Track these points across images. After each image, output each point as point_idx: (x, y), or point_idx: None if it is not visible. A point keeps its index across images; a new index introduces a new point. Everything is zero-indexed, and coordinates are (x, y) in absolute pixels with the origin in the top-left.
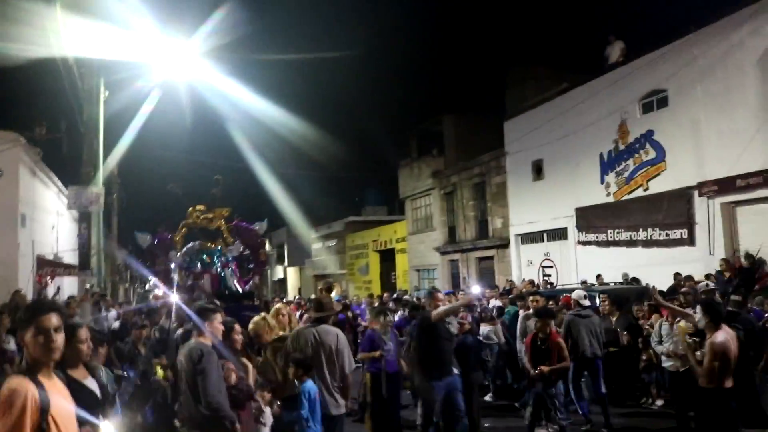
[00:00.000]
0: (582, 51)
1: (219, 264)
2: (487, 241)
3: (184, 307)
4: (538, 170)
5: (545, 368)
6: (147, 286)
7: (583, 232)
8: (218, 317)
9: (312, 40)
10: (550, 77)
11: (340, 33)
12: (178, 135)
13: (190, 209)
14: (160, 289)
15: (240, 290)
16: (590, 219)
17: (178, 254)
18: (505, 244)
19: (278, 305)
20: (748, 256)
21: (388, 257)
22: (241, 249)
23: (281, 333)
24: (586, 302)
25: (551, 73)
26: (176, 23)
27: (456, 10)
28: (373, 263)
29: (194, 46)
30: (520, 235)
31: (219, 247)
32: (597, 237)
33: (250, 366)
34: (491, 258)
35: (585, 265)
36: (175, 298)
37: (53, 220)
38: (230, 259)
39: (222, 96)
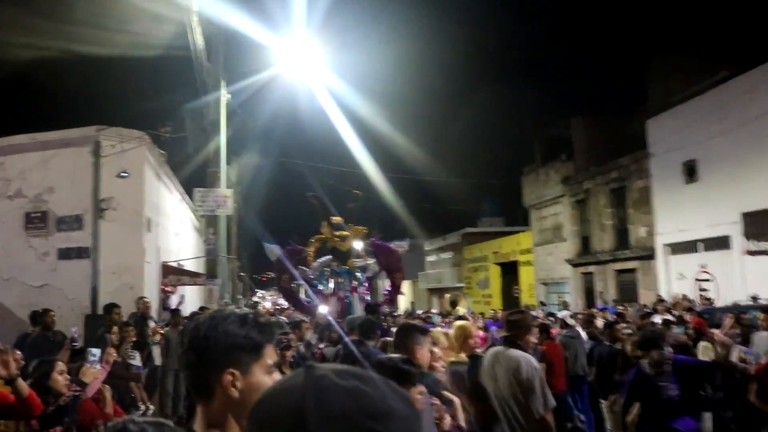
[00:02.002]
0: (740, 36)
1: (348, 288)
2: (628, 251)
3: (333, 323)
4: (690, 172)
5: None
6: (254, 298)
7: (754, 240)
8: (429, 341)
9: (426, 40)
10: (700, 68)
11: (455, 31)
12: (290, 140)
13: (325, 223)
14: (268, 302)
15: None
16: (763, 225)
17: (310, 269)
18: (650, 255)
19: (462, 323)
20: None
21: (510, 270)
22: (377, 270)
23: (459, 355)
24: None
25: (701, 63)
26: (299, 28)
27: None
28: (494, 276)
29: (312, 48)
30: (668, 244)
31: (350, 269)
32: None
33: (456, 401)
34: (633, 270)
35: (755, 279)
36: (324, 310)
37: (176, 226)
38: (361, 282)
39: (338, 100)
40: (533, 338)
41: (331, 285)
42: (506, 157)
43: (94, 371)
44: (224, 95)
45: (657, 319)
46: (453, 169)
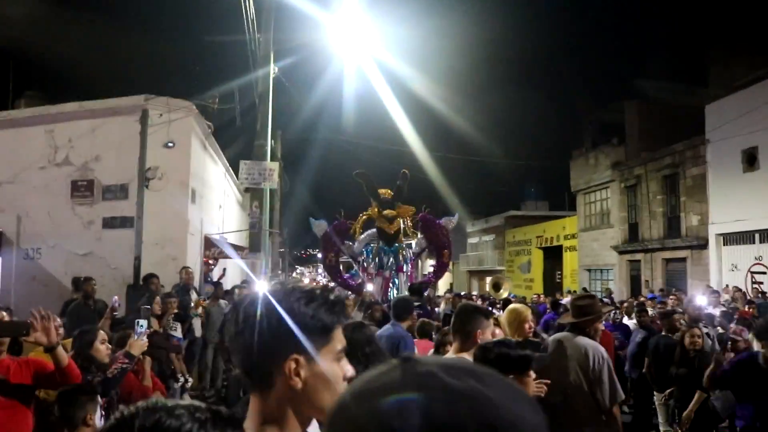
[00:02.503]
0: None
1: (395, 267)
2: (679, 240)
3: (378, 301)
4: (750, 160)
5: None
6: (294, 274)
7: None
8: (491, 325)
9: (480, 18)
10: (763, 52)
11: (510, 9)
12: (338, 116)
13: (375, 203)
14: (307, 278)
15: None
16: None
17: (356, 244)
18: (702, 245)
19: (516, 305)
20: None
21: (553, 255)
22: (424, 246)
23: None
24: None
25: (765, 47)
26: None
27: None
28: (536, 261)
29: (363, 21)
30: (722, 234)
31: (396, 248)
32: None
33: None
34: (683, 260)
35: None
36: (370, 288)
37: (220, 199)
38: (409, 259)
39: (387, 76)
40: (601, 326)
41: (377, 263)
42: (554, 140)
43: (143, 343)
44: (273, 69)
45: (715, 311)
46: (499, 151)
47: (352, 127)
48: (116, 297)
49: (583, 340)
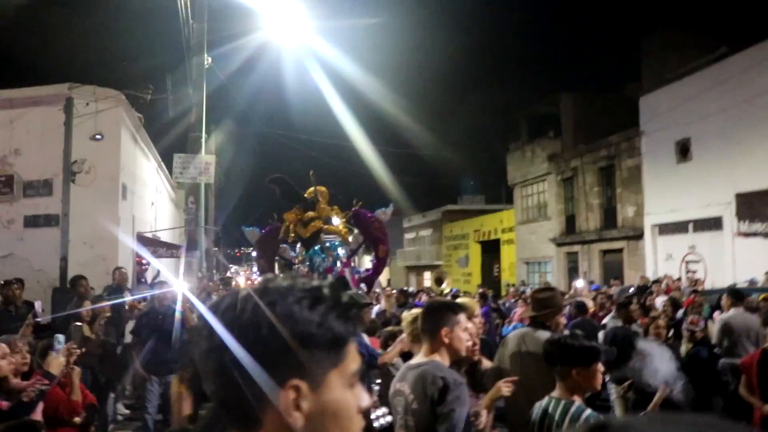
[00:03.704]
0: (738, 13)
1: (324, 268)
2: (615, 231)
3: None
4: (683, 151)
5: None
6: (228, 273)
7: (747, 222)
8: (462, 319)
9: (417, 12)
10: (696, 45)
11: (446, 4)
12: (274, 109)
13: (295, 207)
14: (241, 278)
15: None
16: (756, 206)
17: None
18: (638, 235)
19: (465, 300)
20: None
21: (491, 248)
22: (360, 241)
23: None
24: None
25: (698, 40)
26: None
27: None
28: (474, 255)
29: (299, 12)
30: (657, 225)
31: (324, 245)
32: (765, 227)
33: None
34: (620, 251)
35: (745, 261)
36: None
37: (152, 195)
38: (338, 259)
39: (324, 68)
40: (563, 319)
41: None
42: (491, 134)
43: (61, 361)
44: (207, 58)
45: (658, 301)
46: (434, 146)
47: (289, 121)
48: (39, 302)
49: (544, 334)
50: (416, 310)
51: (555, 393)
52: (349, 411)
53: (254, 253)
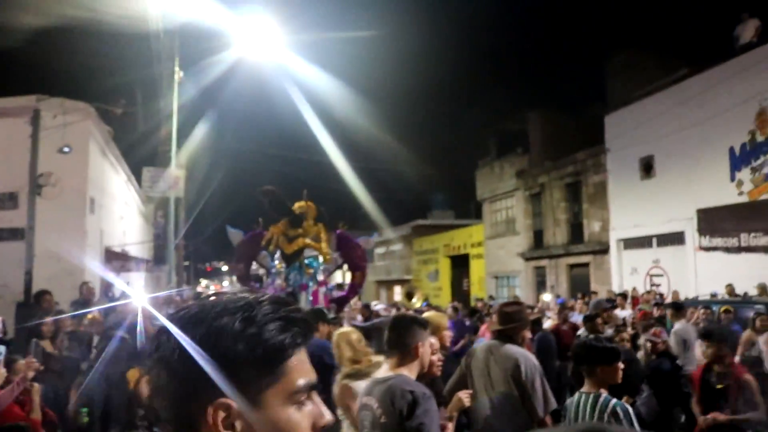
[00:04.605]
0: (699, 35)
1: (299, 284)
2: (582, 246)
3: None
4: (647, 168)
5: (721, 416)
6: (199, 288)
7: (707, 236)
8: (428, 334)
9: (387, 28)
10: (661, 65)
11: (416, 20)
12: (244, 124)
13: (282, 219)
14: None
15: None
16: (716, 221)
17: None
18: (603, 250)
19: (432, 313)
20: None
21: (460, 263)
22: (339, 263)
23: None
24: None
25: (661, 60)
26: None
27: None
28: (444, 269)
29: (270, 28)
30: (622, 239)
31: (302, 262)
32: (724, 242)
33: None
34: (586, 265)
35: (707, 274)
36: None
37: (121, 209)
38: (314, 277)
39: (295, 84)
40: (528, 333)
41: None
42: (460, 150)
43: (2, 372)
44: (177, 72)
45: (623, 313)
46: (405, 161)
47: (262, 136)
48: (1, 318)
49: (513, 349)
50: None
51: (584, 389)
52: (292, 430)
53: (224, 267)
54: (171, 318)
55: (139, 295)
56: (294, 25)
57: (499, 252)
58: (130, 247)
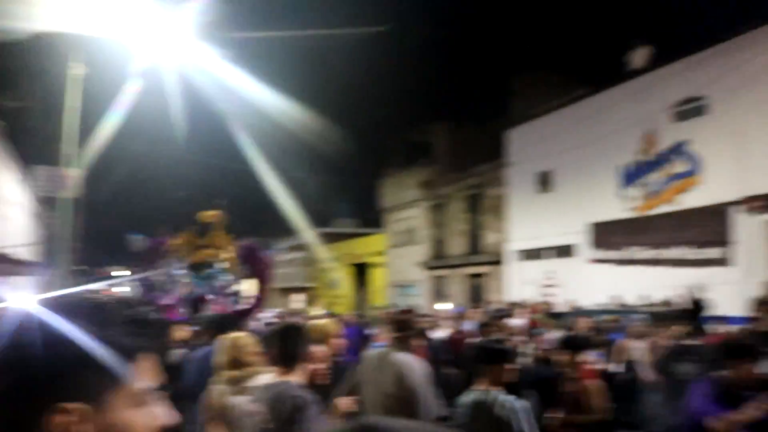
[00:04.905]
0: (597, 58)
1: (216, 293)
2: (480, 256)
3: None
4: (544, 182)
5: (558, 415)
6: (90, 292)
7: (596, 249)
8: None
9: (291, 37)
10: (561, 85)
11: (324, 24)
12: (147, 124)
13: (194, 228)
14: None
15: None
16: (606, 235)
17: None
18: (500, 261)
19: (322, 321)
20: None
21: (362, 271)
22: (245, 274)
23: None
24: None
25: (563, 80)
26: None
27: (453, 10)
28: (346, 277)
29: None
30: (519, 251)
31: (207, 273)
32: (614, 255)
33: None
34: (484, 275)
35: (596, 285)
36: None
37: (8, 209)
38: (216, 288)
39: (203, 86)
40: (420, 341)
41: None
42: (365, 159)
43: None
44: (78, 67)
45: (515, 322)
46: (309, 168)
47: (166, 140)
48: None
49: (404, 356)
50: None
51: (481, 386)
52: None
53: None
54: (18, 320)
55: (21, 299)
56: (214, 24)
57: (401, 261)
58: (17, 249)
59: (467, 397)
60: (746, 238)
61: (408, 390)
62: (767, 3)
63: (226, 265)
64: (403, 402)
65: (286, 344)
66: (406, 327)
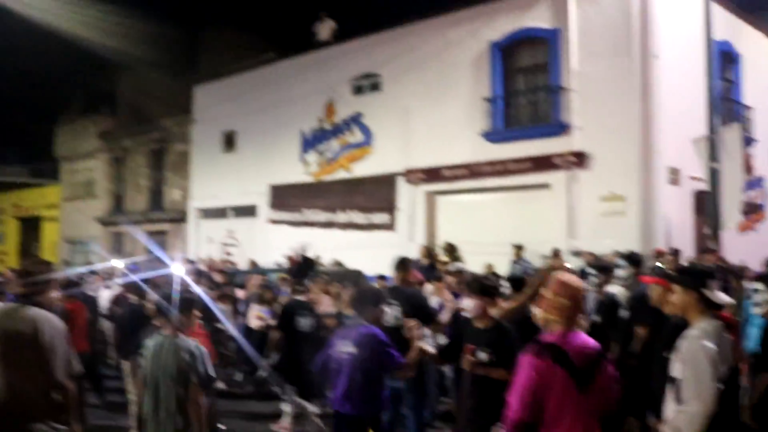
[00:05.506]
0: (288, 24)
1: None
2: (162, 213)
3: None
4: (229, 142)
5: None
6: None
7: (276, 211)
8: None
9: None
10: (251, 47)
11: None
12: None
13: None
14: None
15: None
16: (284, 197)
17: None
18: (182, 218)
19: None
20: (450, 246)
21: (31, 226)
22: None
23: None
24: None
25: (253, 41)
26: None
27: None
28: (12, 232)
29: None
30: (201, 209)
31: None
32: (291, 216)
33: None
34: (165, 233)
35: (274, 245)
36: None
37: None
38: None
39: None
40: (56, 294)
41: None
42: (40, 102)
43: None
44: None
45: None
46: None
47: None
48: None
49: (36, 311)
50: None
51: (166, 332)
52: None
53: None
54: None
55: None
56: None
57: (77, 216)
58: None
59: (152, 341)
60: (407, 206)
61: (40, 347)
62: None
63: None
64: (30, 361)
65: None
66: (38, 281)
